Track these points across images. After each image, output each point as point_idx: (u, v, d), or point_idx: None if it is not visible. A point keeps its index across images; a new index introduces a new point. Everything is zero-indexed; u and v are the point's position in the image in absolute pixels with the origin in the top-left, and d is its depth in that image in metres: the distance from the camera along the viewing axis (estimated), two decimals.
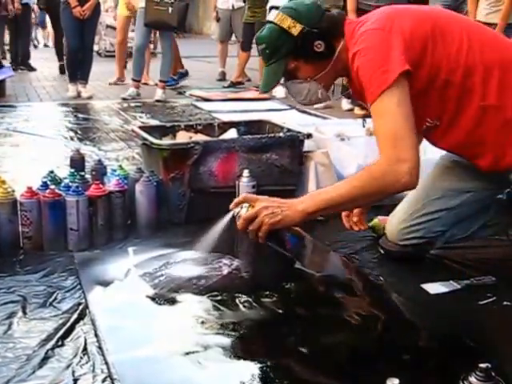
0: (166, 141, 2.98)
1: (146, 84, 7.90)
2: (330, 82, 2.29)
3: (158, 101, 6.76)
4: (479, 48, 2.09)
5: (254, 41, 7.75)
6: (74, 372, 1.62)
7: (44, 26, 16.26)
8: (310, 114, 5.91)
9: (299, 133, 2.95)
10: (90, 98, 6.93)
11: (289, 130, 3.02)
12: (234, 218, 2.13)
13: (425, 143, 3.03)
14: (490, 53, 2.11)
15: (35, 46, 14.41)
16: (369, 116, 4.18)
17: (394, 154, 1.95)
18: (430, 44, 2.06)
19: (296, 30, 2.18)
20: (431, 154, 3.16)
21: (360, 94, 2.18)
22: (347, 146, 3.10)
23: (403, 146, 1.94)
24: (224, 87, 8.09)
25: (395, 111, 1.97)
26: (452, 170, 2.40)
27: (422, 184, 2.38)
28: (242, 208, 2.10)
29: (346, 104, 6.19)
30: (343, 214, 2.42)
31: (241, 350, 1.74)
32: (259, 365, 1.65)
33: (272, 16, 2.30)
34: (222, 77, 8.82)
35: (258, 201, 2.08)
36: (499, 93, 2.08)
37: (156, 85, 7.24)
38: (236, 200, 2.15)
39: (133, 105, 6.57)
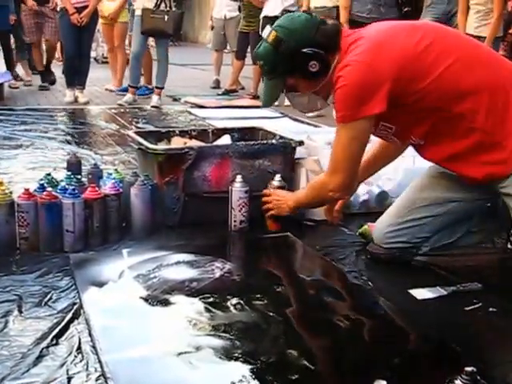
0: (161, 146, 3.01)
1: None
2: (329, 91, 2.33)
3: (153, 107, 6.80)
4: (472, 70, 2.16)
5: (248, 50, 7.82)
6: (68, 370, 1.64)
7: None
8: (302, 122, 5.95)
9: (291, 140, 2.98)
10: (86, 103, 6.95)
11: (281, 138, 3.06)
12: None
13: (414, 153, 3.09)
14: (482, 75, 2.17)
15: None
16: None
17: (329, 178, 2.39)
18: (421, 72, 2.15)
19: (289, 50, 2.24)
20: (420, 163, 3.22)
21: None
22: None
23: (337, 177, 2.35)
24: (218, 95, 8.12)
25: (347, 144, 2.28)
26: (439, 180, 2.44)
27: (410, 192, 2.49)
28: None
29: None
30: (324, 207, 2.72)
31: (232, 351, 1.76)
32: (250, 366, 1.68)
33: (266, 33, 2.34)
34: (217, 84, 8.85)
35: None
36: (487, 117, 2.14)
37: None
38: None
39: (129, 110, 6.60)
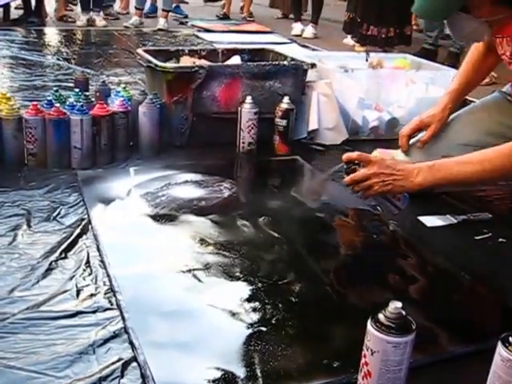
0: (171, 64, 2.95)
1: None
2: (502, 25, 1.95)
3: (160, 30, 6.72)
4: None
5: None
6: (77, 284, 1.65)
7: None
8: (310, 48, 5.88)
9: (303, 62, 2.93)
10: (105, 26, 6.84)
11: (293, 59, 3.00)
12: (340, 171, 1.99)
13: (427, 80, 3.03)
14: None
15: None
16: (371, 51, 4.13)
17: None
18: None
19: None
20: (433, 93, 3.17)
21: None
22: (349, 79, 3.09)
23: None
24: (218, 17, 8.03)
25: None
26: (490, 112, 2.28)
27: (450, 125, 2.37)
28: (352, 165, 1.92)
29: (347, 40, 6.16)
30: None
31: (239, 269, 1.77)
32: (256, 285, 1.69)
33: None
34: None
35: (371, 164, 1.89)
36: None
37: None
38: (350, 155, 1.91)
39: (135, 33, 6.52)
